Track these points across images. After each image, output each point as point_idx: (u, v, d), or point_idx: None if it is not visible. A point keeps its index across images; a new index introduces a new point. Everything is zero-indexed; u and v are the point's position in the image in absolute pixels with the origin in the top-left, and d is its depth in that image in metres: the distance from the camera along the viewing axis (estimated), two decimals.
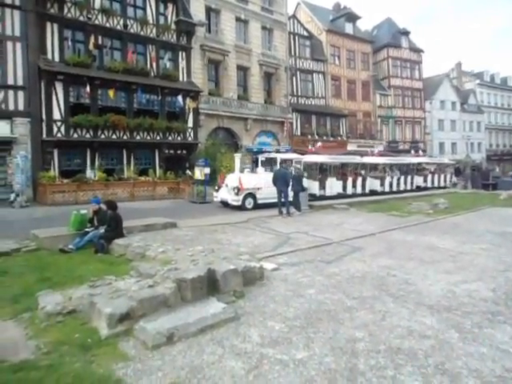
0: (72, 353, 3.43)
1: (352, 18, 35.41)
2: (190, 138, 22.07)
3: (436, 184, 24.83)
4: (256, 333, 3.85)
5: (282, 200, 12.61)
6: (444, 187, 25.08)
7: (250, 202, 14.14)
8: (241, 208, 13.79)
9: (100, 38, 19.10)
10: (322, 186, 17.33)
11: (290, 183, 12.91)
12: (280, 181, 12.67)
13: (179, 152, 21.70)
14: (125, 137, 19.39)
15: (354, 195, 18.33)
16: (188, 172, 19.61)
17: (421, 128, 40.01)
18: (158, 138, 20.63)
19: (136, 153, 20.01)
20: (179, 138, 21.58)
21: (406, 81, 38.31)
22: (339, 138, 32.02)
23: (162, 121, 20.63)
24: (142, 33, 20.68)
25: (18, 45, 16.53)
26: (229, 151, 21.67)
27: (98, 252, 7.27)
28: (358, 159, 20.25)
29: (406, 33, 39.14)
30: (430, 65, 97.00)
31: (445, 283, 5.43)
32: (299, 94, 29.99)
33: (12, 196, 15.35)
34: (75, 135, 17.98)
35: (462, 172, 33.58)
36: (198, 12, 23.07)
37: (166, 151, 21.04)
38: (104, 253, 7.27)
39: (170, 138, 21.14)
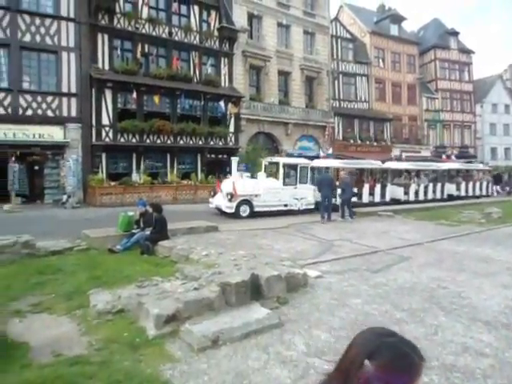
0: (121, 351, 3.52)
1: (397, 19, 34.43)
2: (231, 143, 22.36)
3: (471, 192, 22.45)
4: (301, 341, 3.78)
5: (326, 205, 12.40)
6: (479, 196, 22.66)
7: (244, 210, 13.14)
8: (234, 216, 12.81)
9: (146, 46, 19.86)
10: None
11: (339, 190, 12.69)
12: (325, 186, 12.51)
13: (220, 156, 22.02)
14: (169, 141, 19.97)
15: (370, 204, 16.67)
16: (229, 176, 19.81)
17: (471, 132, 38.00)
18: (201, 142, 21.06)
19: (179, 157, 20.55)
20: (221, 143, 21.91)
21: (455, 83, 36.60)
22: (383, 143, 31.13)
23: (204, 126, 21.04)
24: (185, 40, 21.26)
25: (72, 55, 17.53)
26: (269, 156, 21.67)
27: (144, 253, 7.49)
28: (377, 164, 18.84)
29: (454, 33, 37.46)
30: (480, 66, 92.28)
31: (502, 298, 5.08)
32: (341, 97, 29.53)
33: (64, 197, 16.25)
34: (122, 140, 18.75)
35: (508, 179, 31.66)
36: (240, 19, 23.39)
37: (208, 155, 21.43)
38: (149, 254, 7.48)
39: (211, 142, 21.52)
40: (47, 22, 16.98)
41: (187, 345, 3.64)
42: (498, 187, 28.43)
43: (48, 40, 17.00)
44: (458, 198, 21.09)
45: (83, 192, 17.45)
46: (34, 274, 5.91)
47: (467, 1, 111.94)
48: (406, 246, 8.34)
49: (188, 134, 20.47)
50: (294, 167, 14.94)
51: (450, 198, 20.77)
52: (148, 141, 19.34)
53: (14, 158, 15.10)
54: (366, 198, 16.95)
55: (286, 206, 14.09)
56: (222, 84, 22.44)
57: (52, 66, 17.25)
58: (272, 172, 15.48)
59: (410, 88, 33.85)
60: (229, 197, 12.93)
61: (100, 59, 18.50)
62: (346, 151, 27.38)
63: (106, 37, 18.66)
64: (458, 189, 21.80)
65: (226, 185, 13.52)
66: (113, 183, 17.39)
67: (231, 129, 22.47)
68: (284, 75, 26.00)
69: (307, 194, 14.59)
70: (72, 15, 17.52)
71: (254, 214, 13.28)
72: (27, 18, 16.53)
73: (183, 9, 21.40)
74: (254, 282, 4.78)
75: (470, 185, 22.69)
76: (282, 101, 25.60)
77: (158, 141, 19.65)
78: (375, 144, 30.47)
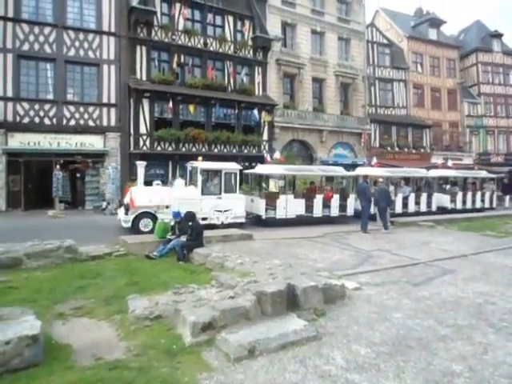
0: (159, 358, 3.54)
1: (436, 23, 33.43)
2: (264, 151, 22.39)
3: (469, 205, 19.14)
4: (340, 355, 3.65)
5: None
6: (481, 209, 19.22)
7: (147, 224, 11.07)
8: (135, 230, 10.76)
9: (182, 56, 20.35)
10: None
11: (373, 199, 12.29)
12: (361, 195, 12.22)
13: (254, 164, 22.04)
14: (203, 149, 20.28)
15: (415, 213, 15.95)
16: (263, 184, 19.81)
17: None
18: (235, 150, 21.24)
19: None
20: (254, 151, 22.00)
21: (499, 87, 34.90)
22: (422, 151, 30.11)
23: (239, 134, 21.22)
24: (220, 50, 21.63)
25: (112, 67, 18.28)
26: (304, 164, 21.53)
27: (180, 260, 7.58)
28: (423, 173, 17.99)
29: (498, 35, 35.83)
30: None
31: None
32: (378, 103, 28.92)
33: (104, 204, 16.85)
34: (159, 148, 19.24)
35: None
36: (274, 27, 23.53)
37: (242, 163, 21.54)
38: (185, 261, 7.56)
39: (245, 150, 21.66)
40: (90, 36, 17.84)
41: (223, 354, 3.61)
42: (508, 198, 24.40)
43: (90, 54, 17.83)
44: (454, 211, 17.78)
45: (121, 199, 18.00)
46: (76, 278, 6.12)
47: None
48: (449, 258, 7.94)
49: (222, 142, 20.71)
50: (217, 173, 12.88)
51: (443, 211, 17.60)
52: (183, 149, 19.74)
53: (58, 166, 15.85)
54: (412, 208, 16.48)
55: (205, 219, 11.79)
56: (256, 92, 22.60)
57: (94, 78, 18.06)
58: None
59: (450, 93, 32.64)
60: (125, 208, 11.22)
61: (138, 70, 19.15)
62: (382, 159, 26.67)
63: (144, 49, 19.32)
64: (453, 200, 18.62)
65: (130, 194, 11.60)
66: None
67: (265, 137, 22.52)
68: (318, 82, 25.83)
69: (235, 205, 12.63)
70: (113, 30, 18.29)
71: None
72: (72, 33, 17.44)
73: (218, 19, 21.82)
74: (290, 292, 4.69)
75: (469, 195, 19.43)
76: (316, 108, 25.41)
77: (194, 149, 20.00)
78: (414, 151, 29.51)
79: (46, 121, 16.89)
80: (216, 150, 20.67)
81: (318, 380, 3.22)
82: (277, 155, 17.13)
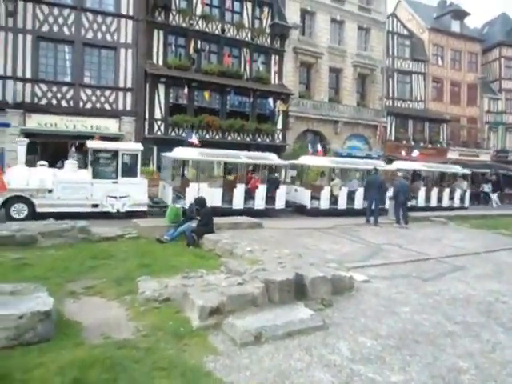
0: (166, 339, 3.60)
1: (459, 14, 32.47)
2: (278, 140, 22.28)
3: (434, 203, 17.37)
4: (345, 346, 3.66)
5: (372, 208, 11.96)
6: (451, 208, 17.60)
7: (20, 210, 10.02)
8: (7, 217, 9.71)
9: (199, 42, 20.24)
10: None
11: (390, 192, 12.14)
12: (373, 188, 12.05)
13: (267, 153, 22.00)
14: (217, 137, 20.28)
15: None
16: (276, 174, 19.77)
17: None
18: (248, 139, 21.18)
19: None
20: (268, 140, 21.91)
21: None
22: (438, 146, 29.57)
23: (253, 122, 21.13)
24: (237, 37, 21.42)
25: (129, 51, 18.28)
26: (315, 154, 21.37)
27: (190, 245, 7.65)
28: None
29: None
30: None
31: None
32: (396, 96, 28.40)
33: None
34: (173, 134, 19.29)
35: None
36: (293, 15, 23.18)
37: (255, 151, 21.49)
38: (195, 246, 7.63)
39: (259, 139, 21.57)
40: (108, 19, 17.83)
41: (230, 338, 3.65)
42: (495, 196, 23.46)
43: (108, 37, 17.85)
44: (413, 209, 15.00)
45: None
46: (89, 258, 6.23)
47: None
48: (461, 254, 7.84)
49: (236, 130, 20.66)
50: (113, 154, 11.57)
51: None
52: (197, 135, 19.74)
53: (73, 148, 16.05)
54: (359, 204, 14.72)
55: (95, 206, 10.97)
56: (272, 81, 22.39)
57: (111, 62, 18.10)
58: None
59: (470, 88, 31.85)
60: None
61: (155, 55, 19.13)
62: (397, 152, 26.33)
63: (161, 33, 19.25)
64: (414, 197, 16.66)
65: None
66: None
67: (279, 126, 22.38)
68: (335, 72, 25.45)
69: (134, 191, 11.39)
70: (131, 13, 18.24)
71: (38, 217, 9.56)
72: (90, 16, 17.46)
73: (236, 5, 21.57)
74: (298, 281, 4.70)
75: (434, 192, 17.60)
76: (332, 98, 25.11)
77: (207, 136, 20.01)
78: (430, 146, 29.00)
79: (63, 103, 17.05)
80: (230, 138, 20.65)
81: (322, 369, 3.24)
82: (194, 139, 15.10)
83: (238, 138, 20.92)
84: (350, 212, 14.38)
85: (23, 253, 6.22)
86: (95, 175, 11.17)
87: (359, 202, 14.78)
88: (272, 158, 14.55)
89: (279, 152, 21.79)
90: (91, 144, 11.57)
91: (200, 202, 8.57)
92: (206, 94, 19.47)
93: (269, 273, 4.79)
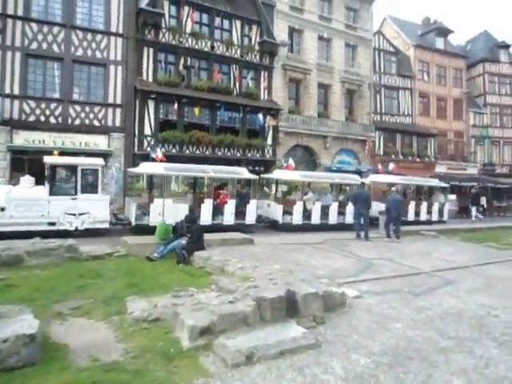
0: (156, 361, 3.52)
1: (443, 32, 33.42)
2: (268, 156, 22.38)
3: (411, 216, 16.72)
4: (339, 365, 3.61)
5: (361, 223, 12.00)
6: (429, 222, 17.07)
7: None
8: None
9: (189, 59, 20.40)
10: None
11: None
12: (360, 202, 12.11)
13: (257, 168, 22.03)
14: (207, 152, 20.29)
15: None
16: (265, 189, 19.81)
17: None
18: (238, 154, 21.23)
19: None
20: (258, 155, 21.99)
21: (505, 98, 34.77)
22: (426, 159, 30.01)
23: (243, 138, 21.21)
24: (227, 53, 21.67)
25: (119, 68, 18.33)
26: (307, 169, 21.50)
27: (180, 262, 7.55)
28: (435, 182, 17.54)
29: (505, 46, 35.75)
30: None
31: None
32: (383, 111, 28.88)
33: None
34: (163, 150, 19.23)
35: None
36: (281, 32, 23.59)
37: (246, 167, 21.53)
38: (185, 264, 7.54)
39: (249, 154, 21.64)
40: (98, 37, 17.91)
41: (221, 359, 3.57)
42: (474, 210, 23.11)
43: (98, 54, 17.90)
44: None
45: (124, 199, 18.01)
46: (76, 278, 6.10)
47: None
48: (451, 268, 7.88)
49: (226, 145, 20.71)
50: (72, 170, 11.09)
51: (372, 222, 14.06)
52: (187, 151, 19.74)
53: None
54: (333, 219, 14.68)
55: (52, 224, 10.43)
56: (262, 97, 22.61)
57: (100, 79, 18.10)
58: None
59: (456, 102, 32.59)
60: None
61: (144, 72, 19.20)
62: (374, 165, 26.60)
63: (151, 50, 19.37)
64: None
65: None
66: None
67: (269, 141, 22.51)
68: (324, 88, 25.84)
69: (95, 207, 10.90)
70: (121, 31, 18.37)
71: None
72: (80, 33, 17.51)
73: (225, 23, 21.87)
74: (290, 298, 4.65)
75: (411, 206, 17.04)
76: (321, 114, 25.41)
77: (197, 151, 20.01)
78: (418, 160, 29.42)
79: (52, 119, 16.94)
80: (220, 153, 20.67)
81: None
82: (158, 153, 14.61)
83: (229, 154, 20.96)
84: (324, 227, 14.10)
85: (8, 273, 6.07)
86: (53, 192, 10.70)
87: (333, 218, 14.64)
88: (241, 172, 14.15)
89: (269, 167, 21.91)
90: (48, 159, 11.08)
91: (190, 218, 8.51)
92: (196, 110, 19.55)
93: (260, 290, 4.74)
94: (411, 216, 16.84)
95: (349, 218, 14.65)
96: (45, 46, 16.86)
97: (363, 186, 14.39)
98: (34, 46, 16.69)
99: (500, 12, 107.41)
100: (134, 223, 11.53)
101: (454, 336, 4.39)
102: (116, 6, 18.29)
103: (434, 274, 7.34)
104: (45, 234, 8.86)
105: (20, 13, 16.43)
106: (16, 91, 16.30)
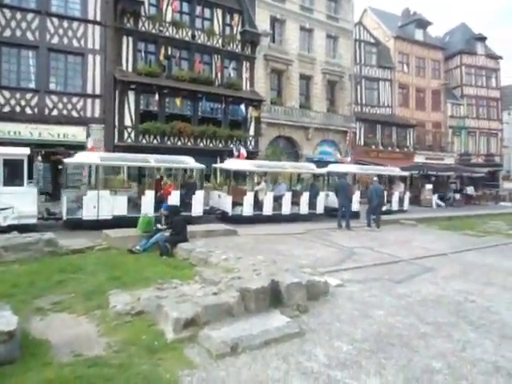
0: (140, 354, 3.50)
1: (422, 24, 33.85)
2: (250, 147, 22.30)
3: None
4: (322, 352, 3.67)
5: (342, 213, 12.17)
6: (389, 212, 15.98)
7: None
8: None
9: (170, 48, 20.03)
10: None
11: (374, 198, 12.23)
12: (341, 193, 12.27)
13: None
14: (189, 143, 20.09)
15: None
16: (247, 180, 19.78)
17: (497, 140, 36.89)
18: (221, 145, 21.10)
19: (199, 159, 20.49)
20: (241, 146, 21.89)
21: (481, 89, 35.64)
22: (406, 150, 30.55)
23: (225, 129, 21.08)
24: (208, 43, 21.38)
25: (98, 57, 17.85)
26: (289, 160, 21.56)
27: (163, 255, 7.49)
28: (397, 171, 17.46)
29: (481, 38, 36.52)
30: (509, 72, 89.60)
31: None
32: (364, 102, 29.15)
33: None
34: (144, 141, 18.94)
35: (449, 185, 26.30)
36: (262, 22, 23.39)
37: (228, 158, 21.43)
38: (168, 256, 7.48)
39: (231, 145, 21.53)
40: (75, 25, 17.35)
41: (206, 350, 3.58)
42: (435, 198, 23.15)
43: (75, 42, 17.37)
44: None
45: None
46: (56, 272, 5.98)
47: (495, 4, 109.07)
48: (430, 256, 8.09)
49: (208, 136, 20.53)
50: None
51: (330, 213, 14.29)
52: (169, 142, 19.49)
53: (39, 157, 15.47)
54: (287, 210, 13.94)
55: None
56: (244, 87, 22.46)
57: (78, 68, 17.60)
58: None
59: (434, 94, 33.16)
60: None
61: (124, 61, 18.77)
62: (367, 157, 26.98)
63: (130, 39, 18.92)
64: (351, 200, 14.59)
65: None
66: (133, 184, 17.56)
67: (251, 132, 22.44)
68: (305, 79, 25.85)
69: (20, 201, 9.96)
70: (98, 18, 17.85)
71: None
72: (56, 20, 16.93)
73: (207, 12, 21.54)
74: (273, 288, 4.70)
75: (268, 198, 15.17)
76: (303, 105, 25.45)
77: (179, 143, 19.78)
78: (397, 150, 29.92)
79: (28, 110, 16.40)
80: (202, 145, 20.50)
81: (300, 377, 3.23)
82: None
83: (211, 145, 20.81)
84: (277, 218, 13.46)
85: None
86: None
87: (287, 208, 13.87)
88: (187, 162, 13.43)
89: (252, 158, 21.87)
90: None
91: (174, 210, 8.44)
92: (178, 101, 19.28)
93: (244, 281, 4.76)
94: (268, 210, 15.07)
95: (303, 209, 14.18)
96: (19, 33, 16.24)
97: (345, 177, 14.39)
98: (8, 33, 16.05)
99: (478, 4, 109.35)
100: (65, 217, 10.69)
101: (433, 321, 4.52)
102: None
103: (413, 261, 7.52)
104: None
105: None
106: None
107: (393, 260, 7.54)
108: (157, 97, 18.70)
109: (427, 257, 7.98)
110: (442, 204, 23.33)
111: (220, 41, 21.77)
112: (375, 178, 14.14)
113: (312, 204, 14.37)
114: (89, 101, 17.70)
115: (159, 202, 11.55)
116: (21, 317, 3.66)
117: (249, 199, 13.27)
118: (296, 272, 5.46)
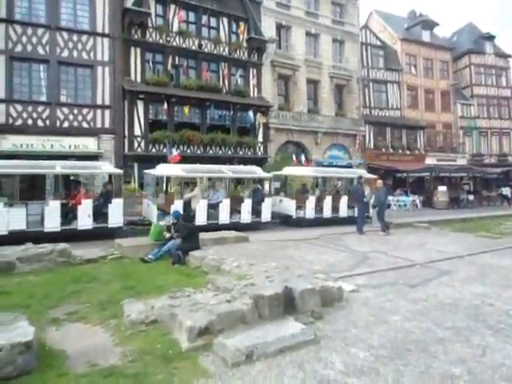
0: (155, 363, 3.48)
1: (429, 25, 33.71)
2: (259, 153, 22.37)
3: (328, 213, 14.40)
4: (338, 359, 3.61)
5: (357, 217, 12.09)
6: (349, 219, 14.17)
7: None
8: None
9: (177, 58, 20.31)
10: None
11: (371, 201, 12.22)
12: (354, 197, 12.23)
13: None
14: (198, 151, 20.22)
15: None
16: (258, 186, 19.77)
17: (509, 140, 36.33)
18: (230, 152, 21.19)
19: None
20: (249, 153, 21.97)
21: (492, 89, 35.23)
22: (416, 152, 30.28)
23: (234, 136, 21.19)
24: (215, 51, 21.59)
25: (107, 69, 18.15)
26: (299, 166, 21.52)
27: (175, 263, 7.51)
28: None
29: (490, 37, 36.19)
30: None
31: None
32: (372, 105, 29.04)
33: None
34: (153, 150, 19.13)
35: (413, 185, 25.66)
36: (268, 29, 23.56)
37: (238, 165, 21.49)
38: (181, 264, 7.49)
39: (240, 152, 21.61)
40: (84, 38, 17.69)
41: (221, 359, 3.55)
42: (412, 199, 23.04)
43: (84, 55, 17.69)
44: (301, 222, 13.65)
45: None
46: (70, 283, 6.03)
47: (503, 2, 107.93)
48: (445, 259, 7.95)
49: (217, 144, 20.66)
50: None
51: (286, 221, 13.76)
52: (178, 151, 19.64)
53: None
54: (225, 218, 12.53)
55: None
56: (251, 94, 22.58)
57: (87, 80, 17.91)
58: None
59: (443, 95, 32.89)
60: None
61: (132, 72, 19.06)
62: (377, 160, 26.82)
63: (138, 50, 19.23)
64: (301, 207, 14.15)
65: None
66: (144, 192, 17.70)
67: (260, 138, 22.51)
68: (313, 84, 25.89)
69: None
70: (107, 31, 18.17)
71: None
72: (65, 34, 17.29)
73: (213, 21, 21.78)
74: (287, 295, 4.65)
75: (327, 201, 14.52)
76: (311, 109, 25.48)
77: (188, 151, 19.92)
78: (408, 152, 29.68)
79: (40, 123, 16.72)
80: (211, 152, 20.62)
81: None
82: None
83: (220, 152, 20.91)
84: (212, 227, 11.26)
85: (0, 280, 5.97)
86: None
87: (225, 217, 12.42)
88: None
89: (261, 164, 21.90)
90: None
91: (187, 218, 8.47)
92: (186, 109, 19.47)
93: (257, 288, 4.73)
94: (327, 213, 14.52)
95: (245, 217, 12.79)
96: (30, 48, 16.62)
97: (359, 181, 14.02)
98: (19, 48, 16.44)
99: (485, 3, 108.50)
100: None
101: (451, 326, 4.43)
102: (101, 5, 18.08)
103: (428, 265, 7.40)
104: None
105: (3, 15, 16.16)
106: (2, 95, 16.05)
107: (407, 264, 7.42)
108: (165, 106, 18.93)
109: (442, 260, 7.84)
110: (418, 206, 22.81)
111: (227, 49, 21.97)
112: (379, 181, 13.88)
113: (257, 211, 13.12)
114: (99, 112, 17.96)
115: (69, 212, 10.80)
116: (37, 327, 3.69)
117: (176, 208, 10.81)
118: (309, 278, 5.41)
